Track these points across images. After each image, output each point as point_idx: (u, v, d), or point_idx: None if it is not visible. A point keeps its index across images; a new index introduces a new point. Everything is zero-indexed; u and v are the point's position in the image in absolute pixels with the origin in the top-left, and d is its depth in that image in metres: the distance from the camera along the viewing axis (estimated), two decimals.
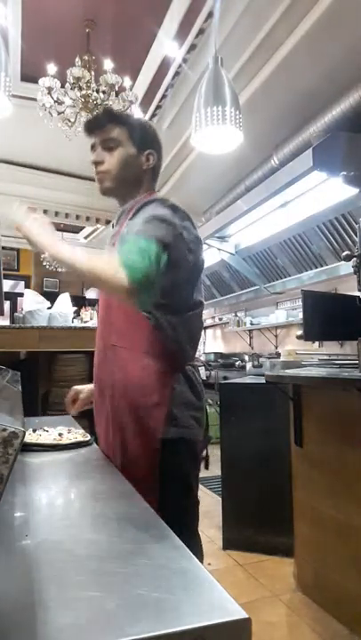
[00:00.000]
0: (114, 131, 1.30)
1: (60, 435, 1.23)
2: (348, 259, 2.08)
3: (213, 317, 7.09)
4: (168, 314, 1.16)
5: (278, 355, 4.43)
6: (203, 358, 4.34)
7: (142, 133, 1.35)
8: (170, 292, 1.13)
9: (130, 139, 1.31)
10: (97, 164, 1.30)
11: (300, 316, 2.62)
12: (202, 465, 1.31)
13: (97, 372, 1.29)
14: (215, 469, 2.82)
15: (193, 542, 1.15)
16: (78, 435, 1.25)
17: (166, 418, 1.12)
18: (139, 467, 1.10)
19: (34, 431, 1.25)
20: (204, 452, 1.33)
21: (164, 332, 1.15)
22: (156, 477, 1.10)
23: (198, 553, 1.21)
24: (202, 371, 4.50)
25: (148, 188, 1.35)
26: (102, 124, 1.31)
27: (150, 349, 1.15)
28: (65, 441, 1.19)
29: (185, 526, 1.03)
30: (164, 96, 4.16)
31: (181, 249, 1.13)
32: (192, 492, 1.19)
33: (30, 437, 1.19)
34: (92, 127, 1.33)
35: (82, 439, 1.22)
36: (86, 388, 1.45)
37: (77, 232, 8.02)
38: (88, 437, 1.24)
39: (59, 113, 3.42)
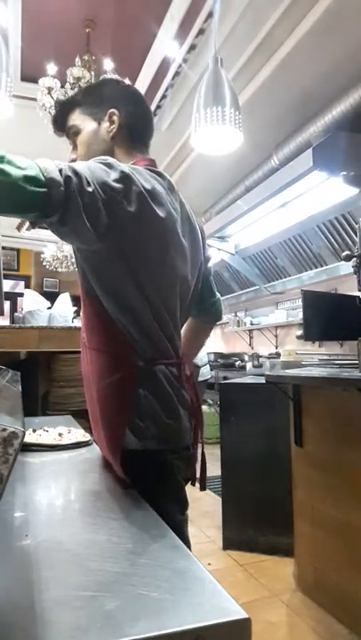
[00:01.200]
0: (71, 118, 1.14)
1: (59, 435, 1.23)
2: (348, 259, 2.08)
3: None
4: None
5: (278, 355, 4.42)
6: (205, 359, 4.31)
7: (96, 97, 1.13)
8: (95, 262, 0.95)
9: (85, 114, 1.12)
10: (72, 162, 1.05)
11: (300, 315, 2.62)
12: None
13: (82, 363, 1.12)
14: (215, 469, 2.83)
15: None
16: (78, 435, 1.25)
17: (129, 427, 0.92)
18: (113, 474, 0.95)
19: (34, 431, 1.25)
20: (198, 466, 1.09)
21: (113, 323, 0.95)
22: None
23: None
24: (203, 370, 4.47)
25: (125, 156, 1.09)
26: (60, 119, 1.16)
27: (104, 347, 0.98)
28: (65, 441, 1.19)
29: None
30: (163, 96, 4.15)
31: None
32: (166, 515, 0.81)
33: (30, 437, 1.19)
34: (55, 124, 1.18)
35: (82, 439, 1.22)
36: None
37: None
38: (88, 437, 1.24)
39: None
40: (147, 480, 0.90)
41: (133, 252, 0.93)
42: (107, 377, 0.96)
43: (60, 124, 1.16)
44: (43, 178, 0.75)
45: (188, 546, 0.90)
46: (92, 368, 1.01)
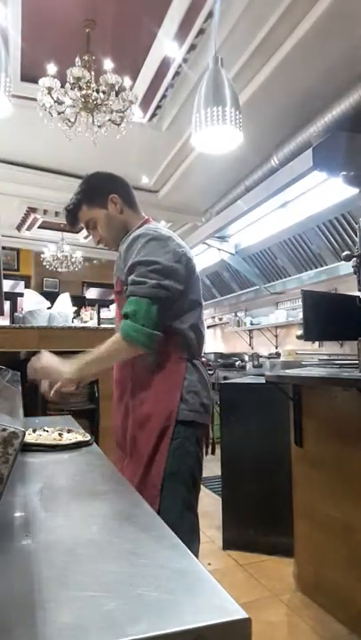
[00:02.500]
0: (82, 214, 1.53)
1: (59, 434, 1.22)
2: (348, 259, 2.08)
3: (213, 317, 7.09)
4: (169, 320, 1.38)
5: (278, 355, 4.43)
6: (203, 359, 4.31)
7: (93, 193, 1.53)
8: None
9: (93, 207, 1.51)
10: (97, 242, 1.57)
11: (300, 315, 2.62)
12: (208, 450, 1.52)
13: (117, 374, 1.48)
14: (215, 469, 2.82)
15: (188, 519, 1.34)
16: (78, 435, 1.25)
17: (179, 401, 1.35)
18: (150, 447, 1.33)
19: (34, 431, 1.24)
20: (211, 437, 1.54)
21: (171, 334, 1.38)
22: (164, 455, 1.32)
23: (194, 533, 1.37)
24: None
25: (135, 218, 1.53)
26: (73, 220, 1.56)
27: (161, 347, 1.35)
28: (65, 441, 1.18)
29: (184, 500, 1.33)
30: (164, 96, 4.15)
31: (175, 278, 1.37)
32: (196, 469, 1.39)
33: (30, 437, 1.19)
34: (71, 225, 1.62)
35: (82, 439, 1.22)
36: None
37: (77, 232, 8.02)
38: (88, 437, 1.24)
39: (59, 113, 3.42)
40: (187, 446, 1.33)
41: (189, 290, 1.42)
42: (160, 368, 1.38)
43: (75, 224, 1.58)
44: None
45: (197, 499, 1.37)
46: (140, 363, 1.38)
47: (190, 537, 1.31)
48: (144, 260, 1.33)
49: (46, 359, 1.38)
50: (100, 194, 1.51)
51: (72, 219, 1.55)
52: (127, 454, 1.43)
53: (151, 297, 1.30)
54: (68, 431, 1.27)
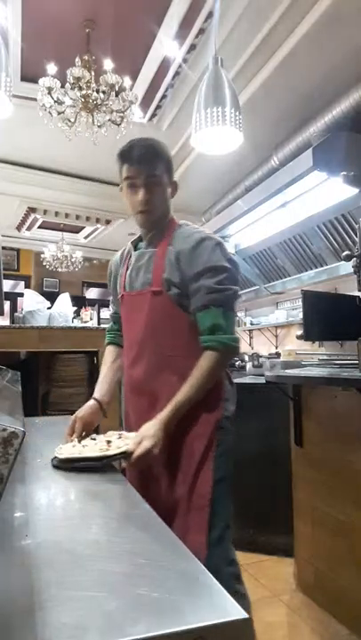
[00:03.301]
0: (158, 167, 1.33)
1: (108, 442, 1.09)
2: (348, 259, 2.08)
3: None
4: None
5: (278, 355, 4.42)
6: None
7: (170, 165, 1.39)
8: None
9: (165, 173, 1.35)
10: (143, 203, 1.32)
11: (300, 316, 2.62)
12: None
13: (149, 383, 1.35)
14: None
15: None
16: (129, 439, 1.10)
17: (223, 407, 1.33)
18: (199, 455, 1.27)
19: (79, 441, 1.15)
20: None
21: None
22: (210, 462, 1.27)
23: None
24: None
25: (169, 213, 1.42)
26: (150, 159, 1.32)
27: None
28: (113, 450, 1.04)
29: (230, 507, 1.30)
30: (164, 96, 4.16)
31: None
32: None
33: (75, 450, 1.07)
34: (140, 160, 1.31)
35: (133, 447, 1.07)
36: (84, 411, 1.39)
37: (77, 232, 8.02)
38: None
39: (59, 113, 3.42)
40: (228, 452, 1.31)
41: None
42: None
43: (149, 161, 1.32)
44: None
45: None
46: (187, 373, 1.28)
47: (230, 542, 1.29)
48: (219, 265, 1.27)
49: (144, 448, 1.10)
50: (171, 170, 1.39)
51: (152, 154, 1.33)
52: (158, 468, 1.30)
53: (232, 305, 1.29)
54: (119, 436, 1.14)
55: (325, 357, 3.24)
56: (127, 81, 3.48)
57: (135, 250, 1.44)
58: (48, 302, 3.25)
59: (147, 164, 1.31)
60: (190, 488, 1.24)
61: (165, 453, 1.21)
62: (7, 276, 8.09)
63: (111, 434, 1.18)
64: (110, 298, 1.63)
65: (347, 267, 2.79)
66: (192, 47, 3.52)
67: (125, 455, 1.05)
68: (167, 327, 1.31)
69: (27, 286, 8.54)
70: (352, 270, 2.11)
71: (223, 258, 1.30)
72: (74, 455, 1.04)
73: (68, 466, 1.01)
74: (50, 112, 3.39)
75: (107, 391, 1.46)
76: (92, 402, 1.40)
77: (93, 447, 1.08)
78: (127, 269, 1.43)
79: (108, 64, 3.34)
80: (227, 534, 1.26)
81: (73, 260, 7.93)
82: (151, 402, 1.32)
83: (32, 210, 6.69)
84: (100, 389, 1.46)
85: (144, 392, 1.35)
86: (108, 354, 1.58)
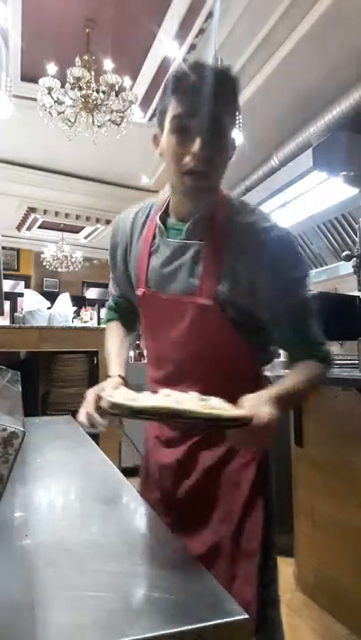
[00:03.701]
0: (230, 108, 0.91)
1: (202, 400, 0.72)
2: (348, 259, 2.08)
3: None
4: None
5: (279, 354, 4.42)
6: None
7: (239, 111, 0.97)
8: None
9: (231, 117, 0.92)
10: (201, 159, 0.87)
11: None
12: None
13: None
14: None
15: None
16: (224, 405, 0.73)
17: None
18: (249, 485, 1.05)
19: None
20: None
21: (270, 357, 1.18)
22: (261, 493, 1.08)
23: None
24: None
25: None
26: (223, 94, 0.88)
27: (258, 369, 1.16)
28: (226, 410, 0.71)
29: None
30: None
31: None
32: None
33: (156, 398, 0.72)
34: (206, 93, 0.85)
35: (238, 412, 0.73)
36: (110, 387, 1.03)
37: (77, 232, 8.03)
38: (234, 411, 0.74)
39: (59, 113, 3.42)
40: (270, 475, 1.16)
41: None
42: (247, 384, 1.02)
43: (226, 95, 0.88)
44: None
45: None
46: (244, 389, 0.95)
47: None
48: (304, 273, 1.01)
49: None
50: (236, 113, 0.95)
51: (230, 86, 0.90)
52: (187, 495, 1.03)
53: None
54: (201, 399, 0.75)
55: None
56: (127, 81, 3.48)
57: (165, 230, 1.00)
58: (48, 302, 3.25)
59: (215, 101, 0.86)
60: (237, 530, 1.00)
61: (198, 478, 1.00)
62: (7, 276, 8.08)
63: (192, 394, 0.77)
64: (110, 275, 1.20)
65: (347, 267, 2.79)
66: (192, 47, 3.53)
67: (244, 422, 0.71)
68: (217, 347, 0.99)
69: (27, 286, 8.55)
70: (352, 270, 2.11)
71: (300, 254, 1.01)
72: (161, 404, 0.67)
73: (144, 418, 0.68)
74: (50, 112, 3.39)
75: (125, 370, 1.13)
76: (117, 379, 1.06)
77: (191, 401, 0.71)
78: (150, 256, 1.02)
79: (108, 64, 3.34)
80: (276, 579, 1.10)
81: (73, 259, 7.93)
82: (184, 432, 1.04)
83: (32, 210, 6.69)
84: (120, 365, 1.12)
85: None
86: (116, 329, 1.23)
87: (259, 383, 1.05)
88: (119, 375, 1.08)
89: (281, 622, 1.10)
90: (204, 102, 0.85)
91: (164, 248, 1.00)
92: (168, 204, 1.03)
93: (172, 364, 1.04)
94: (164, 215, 1.02)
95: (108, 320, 1.28)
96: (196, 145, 0.86)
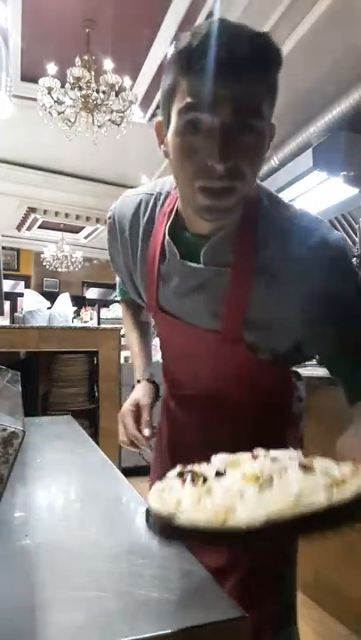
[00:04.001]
0: (269, 94, 0.69)
1: (305, 468, 0.48)
2: None
3: None
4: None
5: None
6: None
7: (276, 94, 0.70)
8: None
9: (269, 108, 0.69)
10: (225, 170, 0.61)
11: None
12: None
13: (220, 429, 0.90)
14: None
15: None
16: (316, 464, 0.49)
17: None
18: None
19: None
20: None
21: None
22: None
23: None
24: None
25: None
26: (270, 71, 0.67)
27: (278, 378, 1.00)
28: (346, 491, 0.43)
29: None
30: None
31: None
32: None
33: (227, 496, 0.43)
34: (236, 70, 0.59)
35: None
36: (146, 397, 0.98)
37: (77, 232, 8.03)
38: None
39: (59, 113, 3.43)
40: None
41: None
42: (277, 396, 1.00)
43: (259, 86, 0.65)
44: None
45: None
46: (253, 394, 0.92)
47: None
48: (356, 292, 0.78)
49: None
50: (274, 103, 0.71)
51: (269, 59, 0.67)
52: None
53: None
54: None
55: None
56: (127, 81, 3.48)
57: (176, 244, 0.78)
58: (48, 302, 3.25)
59: (250, 83, 0.62)
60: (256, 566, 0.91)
61: None
62: (7, 276, 8.09)
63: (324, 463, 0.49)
64: (117, 278, 1.04)
65: None
66: None
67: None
68: (243, 379, 0.86)
69: (27, 286, 8.55)
70: None
71: (353, 272, 0.79)
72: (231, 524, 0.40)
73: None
74: (50, 112, 3.40)
75: (150, 366, 1.03)
76: (147, 385, 0.98)
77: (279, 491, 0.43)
78: (159, 276, 0.82)
79: (108, 64, 3.35)
80: (295, 602, 1.02)
81: (73, 259, 7.93)
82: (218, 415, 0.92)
83: (32, 210, 6.70)
84: (145, 365, 1.02)
85: (209, 443, 0.80)
86: (132, 312, 1.10)
87: (289, 383, 1.01)
88: (147, 379, 1.00)
89: (297, 631, 1.04)
90: (235, 86, 0.59)
91: (177, 269, 0.79)
92: (177, 209, 0.79)
93: (193, 389, 0.95)
94: (173, 225, 0.79)
95: (122, 298, 1.13)
96: (218, 152, 0.59)
